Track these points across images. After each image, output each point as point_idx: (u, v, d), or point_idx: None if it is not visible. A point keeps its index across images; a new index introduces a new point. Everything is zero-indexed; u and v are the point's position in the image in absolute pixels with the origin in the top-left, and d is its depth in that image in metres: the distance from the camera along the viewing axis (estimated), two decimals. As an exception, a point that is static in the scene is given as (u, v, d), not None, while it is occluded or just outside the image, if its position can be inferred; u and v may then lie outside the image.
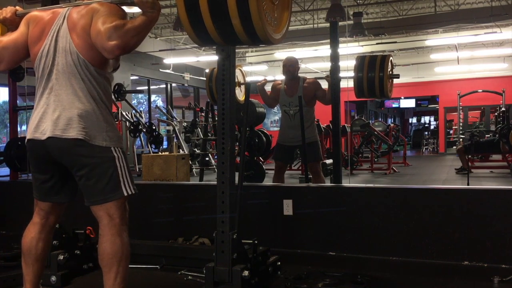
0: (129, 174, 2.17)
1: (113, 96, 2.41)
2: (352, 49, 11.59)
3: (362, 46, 12.38)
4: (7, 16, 2.31)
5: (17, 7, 2.36)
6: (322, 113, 6.30)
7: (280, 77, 7.35)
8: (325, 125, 9.32)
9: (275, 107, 5.12)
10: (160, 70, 13.46)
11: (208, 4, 2.00)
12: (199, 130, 9.99)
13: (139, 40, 2.01)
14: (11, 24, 2.32)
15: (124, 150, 2.20)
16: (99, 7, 2.08)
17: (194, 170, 8.71)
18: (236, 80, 4.50)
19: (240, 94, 4.76)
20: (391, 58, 4.69)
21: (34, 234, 2.22)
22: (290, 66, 4.58)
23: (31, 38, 2.19)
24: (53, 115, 2.07)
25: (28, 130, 2.16)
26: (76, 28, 2.09)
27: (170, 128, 10.63)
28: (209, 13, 2.02)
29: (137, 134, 9.36)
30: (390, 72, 4.65)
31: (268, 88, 4.91)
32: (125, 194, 2.12)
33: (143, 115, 10.38)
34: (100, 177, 2.09)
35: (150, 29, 2.07)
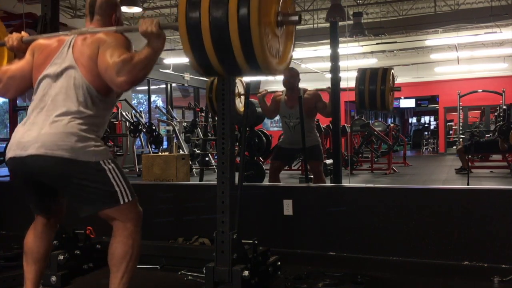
0: (125, 182, 2.12)
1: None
2: (352, 49, 11.60)
3: (362, 46, 12.38)
4: (14, 44, 2.34)
5: (23, 33, 2.39)
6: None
7: (281, 76, 7.35)
8: (325, 125, 9.33)
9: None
10: (160, 70, 13.45)
11: (213, 45, 1.99)
12: (199, 130, 9.99)
13: (147, 73, 2.03)
14: (18, 50, 2.35)
15: (114, 160, 2.14)
16: (105, 37, 2.09)
17: (194, 170, 8.70)
18: (236, 91, 4.51)
19: (240, 105, 4.76)
20: (392, 71, 4.71)
21: (36, 234, 2.23)
22: (291, 78, 4.58)
23: (35, 64, 2.20)
24: (39, 131, 1.99)
25: (9, 147, 2.06)
26: (83, 56, 2.09)
27: (170, 128, 10.62)
28: (214, 53, 2.01)
29: (137, 134, 9.36)
30: (391, 85, 4.66)
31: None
32: (122, 202, 2.09)
33: (143, 115, 10.39)
34: (93, 192, 2.04)
35: (156, 59, 2.08)
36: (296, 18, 2.17)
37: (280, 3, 2.15)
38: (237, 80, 4.34)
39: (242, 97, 4.83)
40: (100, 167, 2.05)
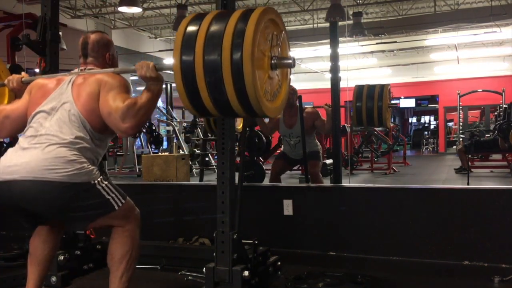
0: (115, 190, 2.13)
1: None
2: (352, 49, 11.60)
3: (362, 46, 12.38)
4: (14, 86, 2.39)
5: (23, 74, 2.43)
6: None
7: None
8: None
9: None
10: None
11: (207, 88, 2.02)
12: (199, 130, 9.99)
13: (150, 115, 2.09)
14: (19, 91, 2.39)
15: (105, 177, 2.13)
16: (106, 78, 2.11)
17: (194, 170, 8.70)
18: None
19: (237, 122, 4.74)
20: (389, 87, 4.72)
21: (41, 238, 2.24)
22: (289, 95, 4.58)
23: (32, 101, 2.20)
24: (29, 158, 1.96)
25: None
26: (81, 93, 2.11)
27: (170, 128, 10.63)
28: (208, 96, 2.04)
29: (137, 135, 9.37)
30: (389, 102, 4.68)
31: None
32: (116, 208, 2.10)
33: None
34: (86, 209, 2.04)
35: (157, 101, 2.12)
36: (290, 61, 2.22)
37: (275, 46, 2.17)
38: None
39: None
40: (90, 185, 2.03)
